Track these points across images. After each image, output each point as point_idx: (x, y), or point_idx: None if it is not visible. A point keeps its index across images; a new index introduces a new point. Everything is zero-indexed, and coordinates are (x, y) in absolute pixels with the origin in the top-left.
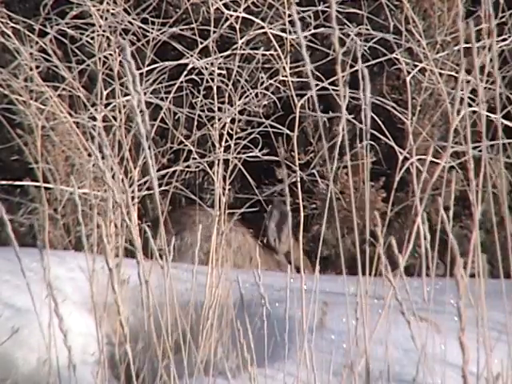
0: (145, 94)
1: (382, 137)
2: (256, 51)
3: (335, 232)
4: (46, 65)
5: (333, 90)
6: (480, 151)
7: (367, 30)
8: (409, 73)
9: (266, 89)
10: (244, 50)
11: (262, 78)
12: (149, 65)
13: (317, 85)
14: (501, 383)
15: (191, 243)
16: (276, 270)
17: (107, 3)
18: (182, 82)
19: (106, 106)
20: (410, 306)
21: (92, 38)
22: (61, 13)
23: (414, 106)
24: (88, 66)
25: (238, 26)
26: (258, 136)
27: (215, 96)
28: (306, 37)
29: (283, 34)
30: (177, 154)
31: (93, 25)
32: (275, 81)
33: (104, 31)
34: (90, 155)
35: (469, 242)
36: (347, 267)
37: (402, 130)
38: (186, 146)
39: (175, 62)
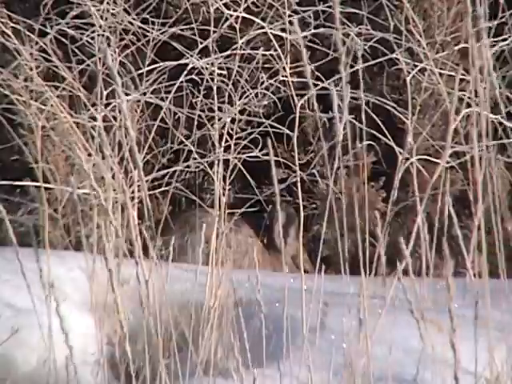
0: (145, 94)
1: (381, 137)
2: (256, 51)
3: (334, 232)
4: (46, 65)
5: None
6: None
7: (367, 29)
8: (409, 73)
9: (266, 89)
10: (244, 50)
11: (262, 77)
12: (149, 65)
13: (317, 85)
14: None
15: (194, 244)
16: (282, 271)
17: (107, 3)
18: (182, 82)
19: (106, 106)
20: (418, 306)
21: (92, 38)
22: (61, 13)
23: (414, 106)
24: (88, 65)
25: (238, 26)
26: (258, 136)
27: (215, 96)
28: (306, 37)
29: (283, 34)
30: (177, 154)
31: (93, 25)
32: (275, 81)
33: (104, 31)
34: (90, 155)
35: (469, 241)
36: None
37: (402, 130)
38: (186, 145)
39: (175, 62)
